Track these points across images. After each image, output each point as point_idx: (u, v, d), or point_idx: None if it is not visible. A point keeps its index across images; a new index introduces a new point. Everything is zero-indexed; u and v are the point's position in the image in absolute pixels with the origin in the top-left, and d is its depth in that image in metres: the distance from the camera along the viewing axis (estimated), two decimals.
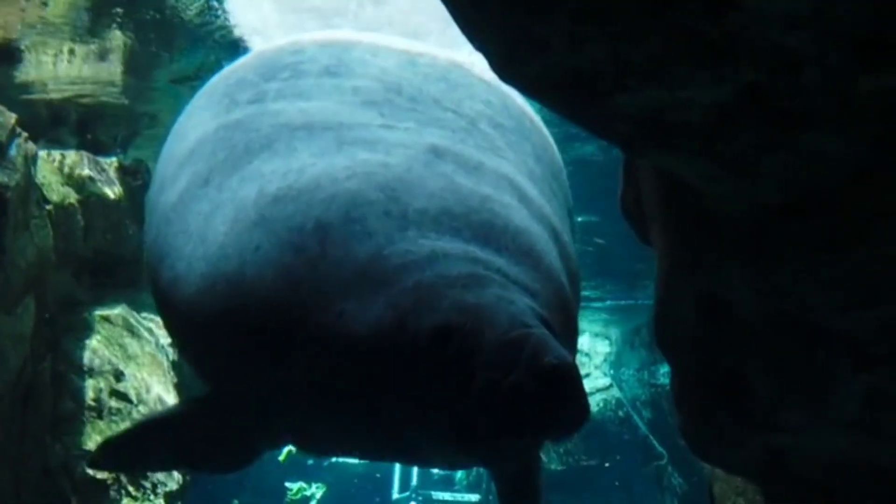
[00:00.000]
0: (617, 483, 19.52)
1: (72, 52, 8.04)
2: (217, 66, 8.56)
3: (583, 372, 3.31)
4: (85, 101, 9.05)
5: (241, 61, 4.00)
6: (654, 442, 20.57)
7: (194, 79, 8.56)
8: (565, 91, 2.63)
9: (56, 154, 8.68)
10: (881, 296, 2.75)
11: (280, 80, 3.60)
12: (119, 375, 7.80)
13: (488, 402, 2.77)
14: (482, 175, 3.30)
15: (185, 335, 3.53)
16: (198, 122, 3.70)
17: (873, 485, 3.42)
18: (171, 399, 7.92)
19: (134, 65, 8.34)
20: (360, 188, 3.10)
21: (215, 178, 3.35)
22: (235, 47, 8.02)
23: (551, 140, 4.26)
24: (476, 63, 3.98)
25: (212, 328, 3.23)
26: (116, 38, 7.85)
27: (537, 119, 4.24)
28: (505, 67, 2.65)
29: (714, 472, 4.55)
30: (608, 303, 18.25)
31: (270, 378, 3.16)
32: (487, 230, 3.12)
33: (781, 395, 3.11)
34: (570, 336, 3.48)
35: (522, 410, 2.76)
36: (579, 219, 12.98)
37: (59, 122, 9.36)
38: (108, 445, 3.92)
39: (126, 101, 9.11)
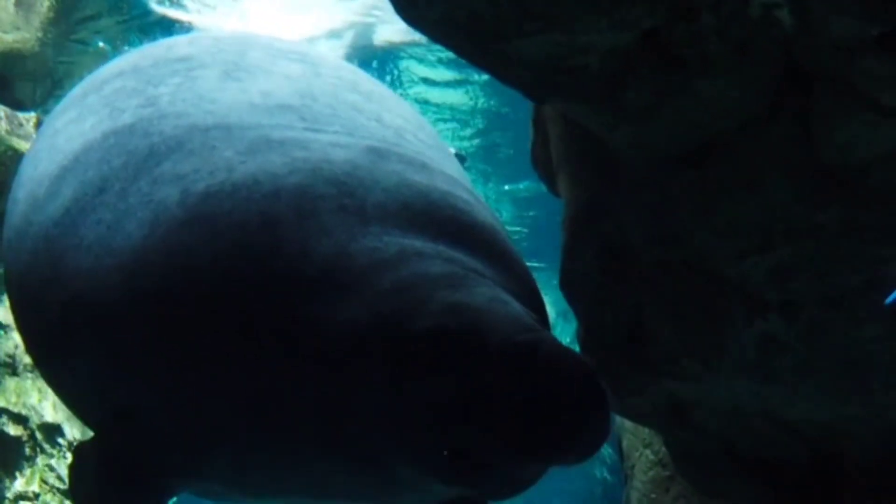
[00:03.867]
0: None
1: None
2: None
3: None
4: (2, 53, 8.84)
5: (107, 71, 3.60)
6: None
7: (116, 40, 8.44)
8: (467, 35, 2.64)
9: None
10: (773, 242, 2.82)
11: (172, 85, 3.24)
12: None
13: (499, 417, 2.41)
14: (432, 174, 3.03)
15: (86, 362, 3.04)
16: (72, 135, 3.31)
17: (769, 433, 3.52)
18: None
19: (53, 15, 8.15)
20: (307, 182, 2.78)
21: (113, 185, 2.99)
22: None
23: None
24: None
25: (132, 350, 2.85)
26: None
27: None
28: (408, 10, 2.66)
29: (623, 425, 4.64)
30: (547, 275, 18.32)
31: (208, 402, 2.79)
32: (454, 227, 2.83)
33: (681, 343, 3.17)
34: None
35: (544, 425, 2.39)
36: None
37: None
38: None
39: (46, 54, 8.92)
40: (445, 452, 2.52)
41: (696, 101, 2.68)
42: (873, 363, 2.97)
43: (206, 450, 2.90)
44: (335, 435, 2.68)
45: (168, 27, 9.04)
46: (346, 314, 2.60)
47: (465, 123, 11.18)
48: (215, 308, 2.72)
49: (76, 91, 3.65)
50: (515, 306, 2.62)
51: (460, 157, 9.49)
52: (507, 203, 13.36)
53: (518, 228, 13.60)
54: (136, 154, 3.02)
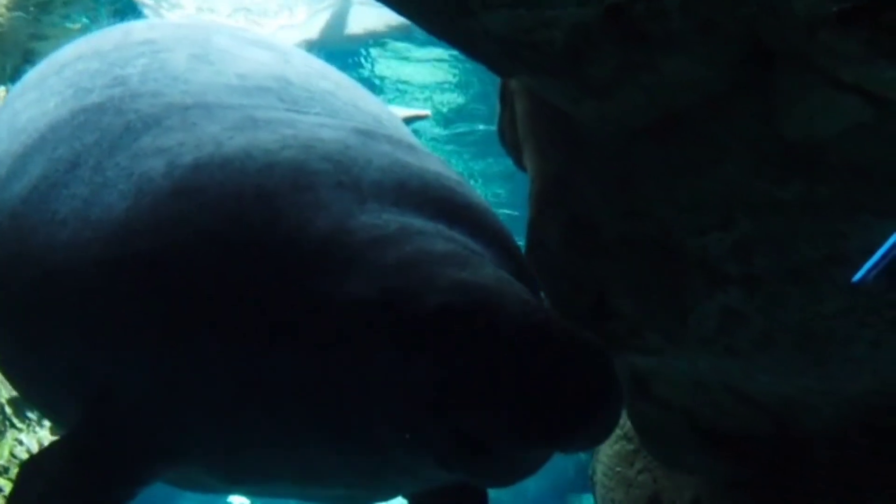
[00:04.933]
0: None
1: None
2: None
3: None
4: None
5: (63, 55, 3.51)
6: None
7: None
8: (434, 8, 2.66)
9: None
10: (735, 217, 2.85)
11: (139, 66, 3.16)
12: None
13: (510, 398, 2.32)
14: (421, 155, 2.97)
15: (62, 341, 2.90)
16: (34, 115, 3.23)
17: (730, 406, 3.57)
18: None
19: None
20: (301, 158, 2.70)
21: (88, 160, 2.91)
22: None
23: None
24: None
25: (116, 324, 2.75)
26: None
27: None
28: None
29: None
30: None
31: (200, 379, 2.68)
32: (450, 207, 2.78)
33: (644, 317, 3.21)
34: None
35: (556, 408, 2.31)
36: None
37: None
38: None
39: (13, 26, 8.85)
40: (450, 436, 2.44)
41: (658, 77, 2.71)
42: (832, 337, 3.02)
43: (197, 430, 2.79)
44: (333, 416, 2.60)
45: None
46: (348, 290, 2.53)
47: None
48: (208, 280, 2.63)
49: (31, 75, 3.58)
50: (520, 286, 2.56)
51: (420, 117, 9.47)
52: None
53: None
54: (111, 130, 2.96)
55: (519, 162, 3.62)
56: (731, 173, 2.81)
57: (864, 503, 3.40)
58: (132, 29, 3.57)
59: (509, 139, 3.63)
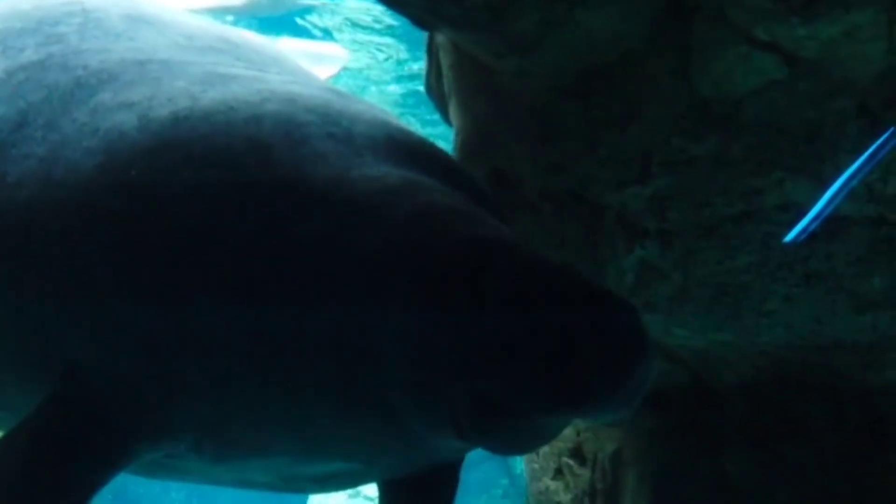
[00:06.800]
0: None
1: None
2: None
3: None
4: None
5: None
6: None
7: None
8: None
9: None
10: (652, 172, 2.90)
11: (74, 25, 2.98)
12: None
13: (537, 358, 2.16)
14: (392, 117, 2.83)
15: (27, 315, 2.69)
16: None
17: None
18: None
19: None
20: (287, 110, 2.56)
21: (36, 119, 2.75)
22: None
23: None
24: None
25: (92, 289, 2.54)
26: None
27: None
28: None
29: None
30: None
31: (196, 347, 2.49)
32: (439, 165, 2.66)
33: None
34: None
35: (593, 368, 2.14)
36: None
37: None
38: None
39: None
40: (468, 398, 2.28)
41: (578, 33, 2.74)
42: (746, 292, 3.09)
43: (189, 400, 2.57)
44: (343, 379, 2.43)
45: None
46: (356, 244, 2.38)
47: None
48: (200, 235, 2.46)
49: None
50: (528, 246, 2.44)
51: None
52: None
53: None
54: (60, 87, 2.80)
55: (446, 116, 3.63)
56: (648, 129, 2.85)
57: (776, 452, 3.50)
58: None
59: (436, 92, 3.63)
